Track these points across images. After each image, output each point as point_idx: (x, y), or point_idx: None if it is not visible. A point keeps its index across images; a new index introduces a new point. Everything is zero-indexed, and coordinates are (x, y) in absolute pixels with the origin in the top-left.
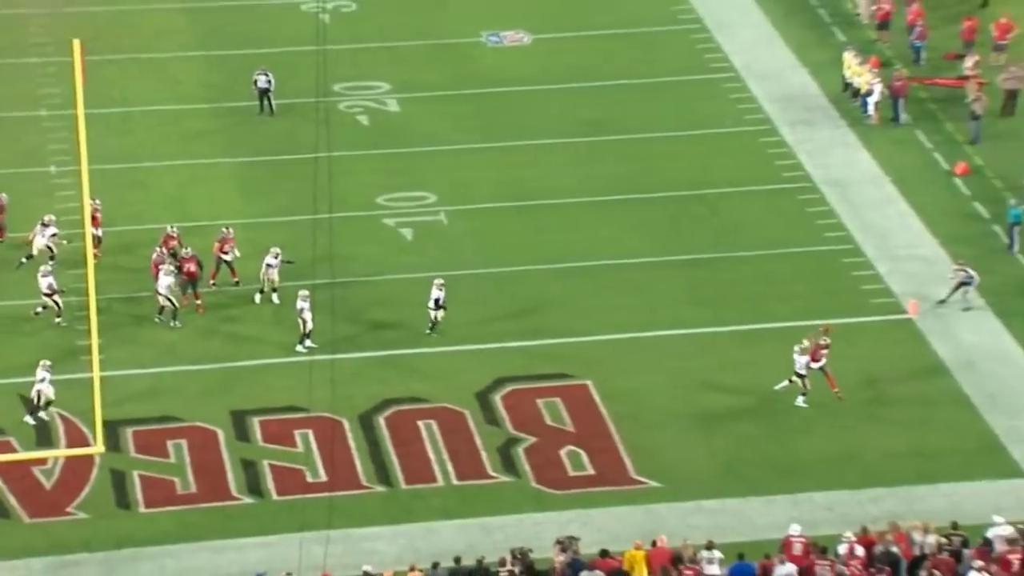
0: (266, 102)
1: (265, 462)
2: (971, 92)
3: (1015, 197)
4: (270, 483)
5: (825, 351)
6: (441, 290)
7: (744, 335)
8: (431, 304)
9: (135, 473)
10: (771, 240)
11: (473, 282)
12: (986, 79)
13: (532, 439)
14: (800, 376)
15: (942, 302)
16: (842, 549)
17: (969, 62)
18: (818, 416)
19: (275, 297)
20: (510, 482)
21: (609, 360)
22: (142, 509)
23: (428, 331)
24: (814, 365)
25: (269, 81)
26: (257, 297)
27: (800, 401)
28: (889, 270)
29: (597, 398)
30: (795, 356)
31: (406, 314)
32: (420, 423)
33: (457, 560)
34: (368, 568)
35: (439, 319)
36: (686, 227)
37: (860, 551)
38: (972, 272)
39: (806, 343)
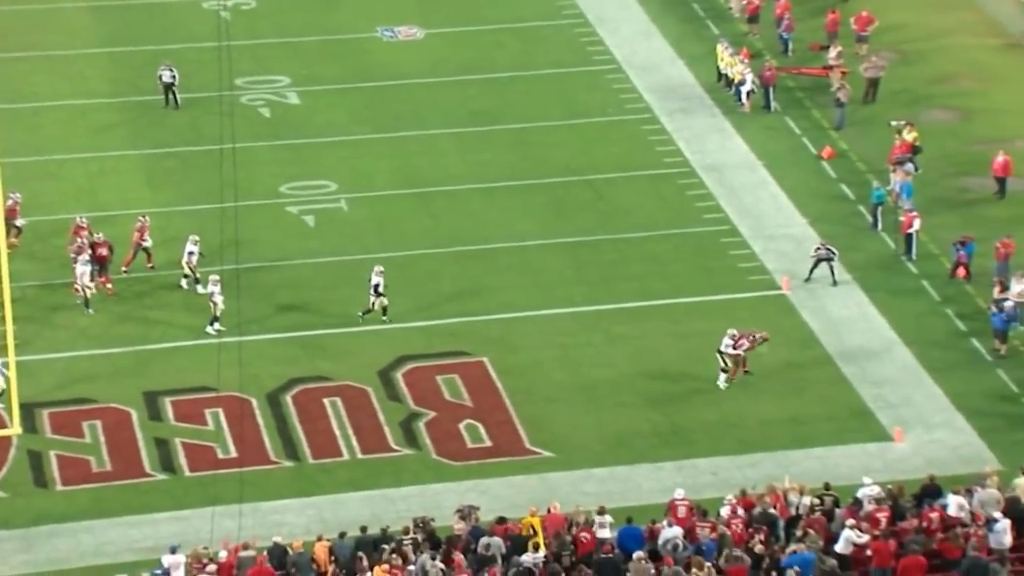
0: (171, 96)
1: (177, 440)
2: (835, 81)
3: (878, 179)
4: (182, 460)
5: (749, 344)
6: (380, 276)
7: (629, 312)
8: (371, 290)
9: (52, 453)
10: (653, 222)
11: (373, 266)
12: (849, 68)
13: (432, 414)
14: (720, 354)
15: (807, 280)
16: (724, 511)
17: (833, 53)
18: (700, 387)
19: (199, 288)
20: (412, 455)
21: (504, 338)
22: (59, 487)
23: (361, 315)
24: (731, 350)
25: (173, 76)
26: (183, 283)
27: (721, 381)
28: (763, 249)
29: (493, 374)
30: (725, 339)
31: (310, 297)
32: (325, 400)
33: (363, 529)
34: (278, 539)
35: (377, 306)
36: (573, 211)
37: (741, 512)
38: (832, 249)
39: (735, 332)
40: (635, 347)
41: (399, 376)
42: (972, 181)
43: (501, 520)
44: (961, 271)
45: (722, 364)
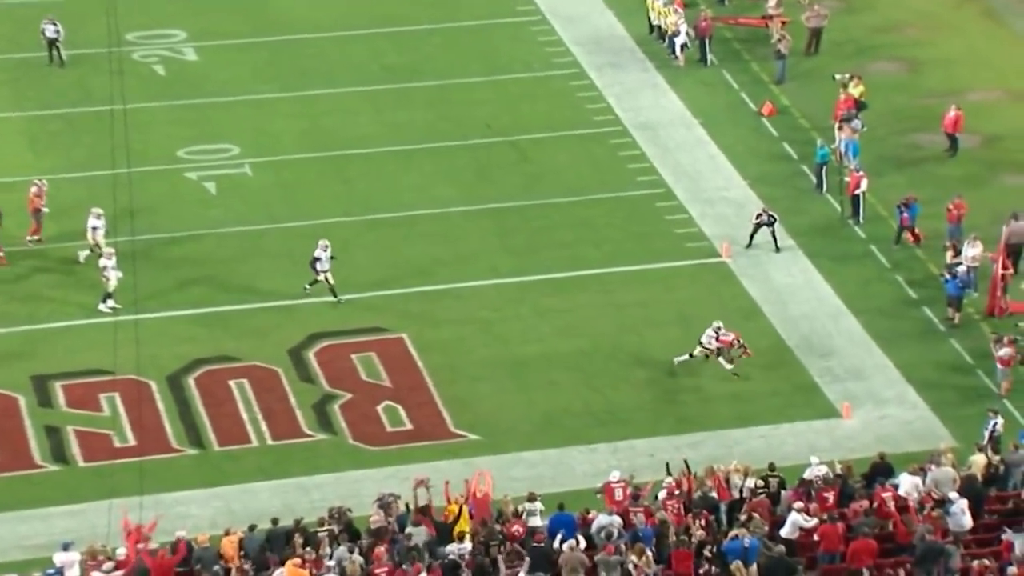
0: (55, 52)
1: (70, 428)
2: (775, 32)
3: (822, 137)
4: (76, 450)
5: (728, 345)
6: (326, 251)
7: (558, 283)
8: (311, 263)
9: None
10: (583, 185)
11: (281, 236)
12: (790, 18)
13: (348, 395)
14: (702, 345)
15: (748, 246)
16: (662, 495)
17: (772, 1)
18: (635, 363)
19: (102, 261)
20: (327, 440)
21: (423, 312)
22: None
23: (306, 287)
24: (715, 342)
25: (57, 31)
26: (81, 256)
27: (681, 358)
28: (701, 213)
29: (413, 351)
30: (708, 331)
31: (213, 270)
32: (232, 382)
33: (275, 521)
34: (182, 533)
35: (321, 281)
36: (496, 174)
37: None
38: (774, 213)
39: (721, 325)
40: (565, 320)
41: (311, 355)
42: (922, 138)
43: (424, 509)
44: (908, 235)
45: (694, 353)
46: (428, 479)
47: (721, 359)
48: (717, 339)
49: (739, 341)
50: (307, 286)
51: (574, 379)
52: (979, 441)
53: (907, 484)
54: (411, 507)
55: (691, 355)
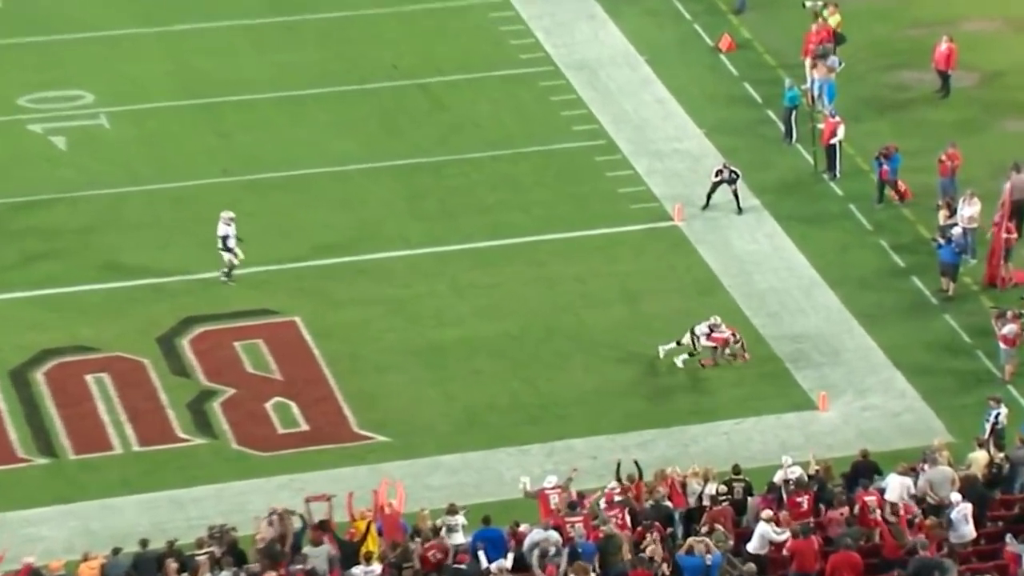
0: None
1: None
2: None
3: (791, 77)
4: None
5: (724, 340)
6: (230, 225)
7: (480, 254)
8: (219, 244)
9: None
10: (508, 137)
11: (146, 200)
12: None
13: (231, 391)
14: (693, 336)
15: (705, 207)
16: (602, 503)
17: None
18: (574, 348)
19: None
20: (205, 445)
21: (320, 290)
22: None
23: (224, 276)
24: (707, 341)
25: None
26: None
27: (668, 347)
28: (648, 169)
29: (308, 337)
30: (702, 325)
31: (64, 243)
32: (89, 377)
33: (143, 544)
34: (30, 559)
35: (231, 262)
36: (404, 125)
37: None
38: (736, 169)
39: (719, 321)
40: (489, 298)
41: (185, 343)
42: (909, 76)
43: (323, 525)
44: (893, 192)
45: (686, 344)
46: (330, 496)
47: (665, 349)
48: (709, 336)
49: (736, 336)
50: (224, 274)
51: (501, 368)
52: (979, 435)
53: (895, 487)
54: (307, 522)
55: (679, 343)
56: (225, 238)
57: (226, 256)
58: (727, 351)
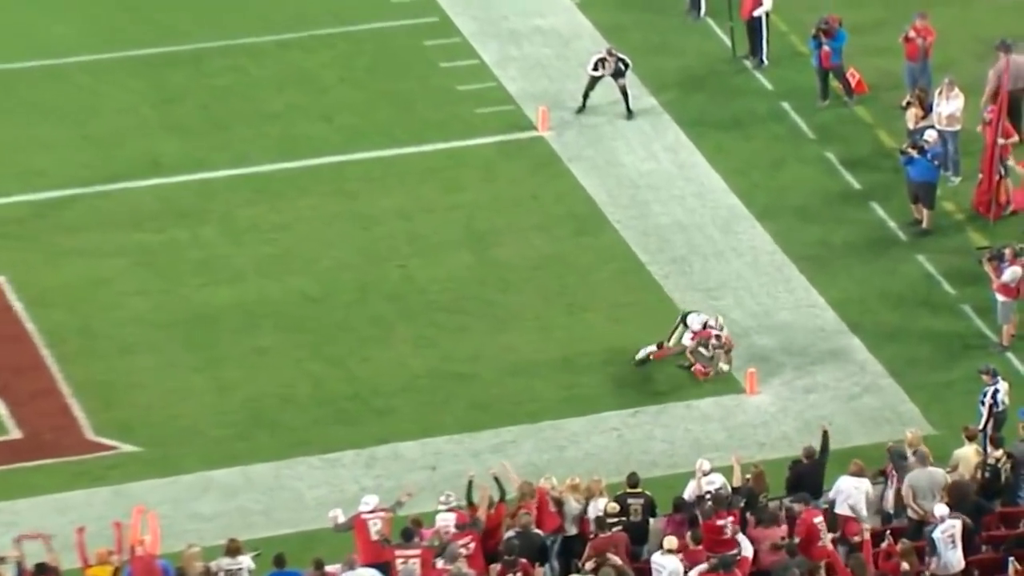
0: None
1: None
2: None
3: None
4: None
5: (713, 338)
6: None
7: (262, 181)
8: None
9: None
10: (300, 15)
11: None
12: None
13: None
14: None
15: (582, 109)
16: (447, 527)
17: None
18: (398, 314)
19: None
20: None
21: (32, 236)
22: None
23: None
24: (689, 341)
25: None
26: None
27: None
28: (500, 56)
29: (16, 304)
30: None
31: None
32: None
33: None
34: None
35: None
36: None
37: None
38: (624, 57)
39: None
40: (277, 246)
41: None
42: None
43: (41, 569)
44: (840, 84)
45: (669, 344)
46: (49, 536)
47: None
48: (702, 331)
49: (720, 337)
50: None
51: (296, 344)
52: (973, 423)
53: (848, 494)
54: (22, 567)
55: (661, 345)
56: None
57: None
58: (709, 347)
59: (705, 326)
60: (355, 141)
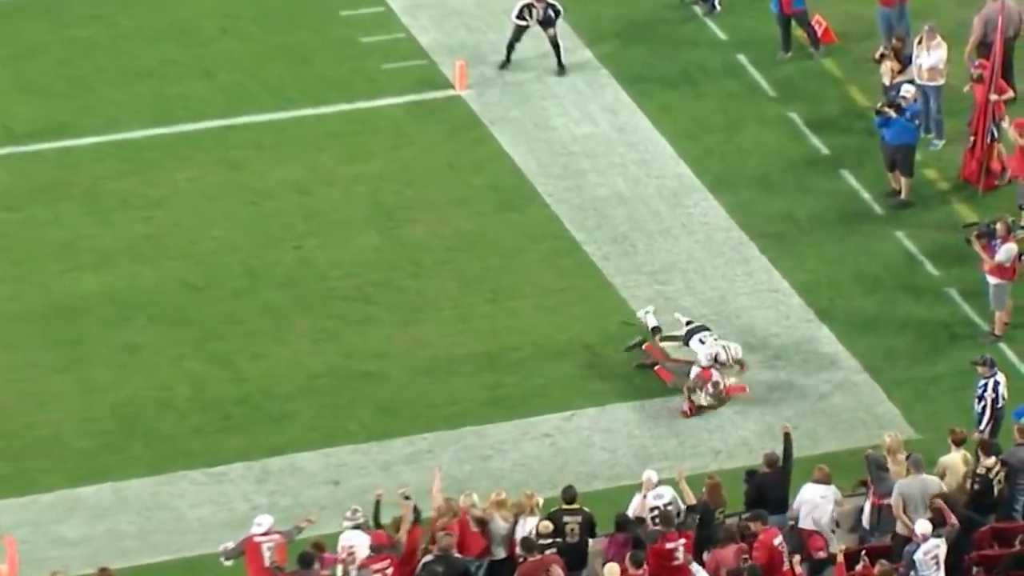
0: None
1: None
2: None
3: None
4: None
5: (710, 384)
6: None
7: (130, 148)
8: None
9: None
10: None
11: None
12: None
13: None
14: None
15: (506, 63)
16: (348, 541)
17: None
18: (293, 303)
19: None
20: None
21: None
22: None
23: None
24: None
25: None
26: None
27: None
28: (410, 4)
29: None
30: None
31: None
32: None
33: None
34: None
35: None
36: None
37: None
38: (552, 2)
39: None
40: (150, 225)
41: None
42: None
43: None
44: (805, 33)
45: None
46: None
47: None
48: (704, 370)
49: (730, 359)
50: None
51: (173, 339)
52: (960, 425)
53: (816, 508)
54: None
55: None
56: None
57: None
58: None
59: (715, 360)
60: (241, 102)
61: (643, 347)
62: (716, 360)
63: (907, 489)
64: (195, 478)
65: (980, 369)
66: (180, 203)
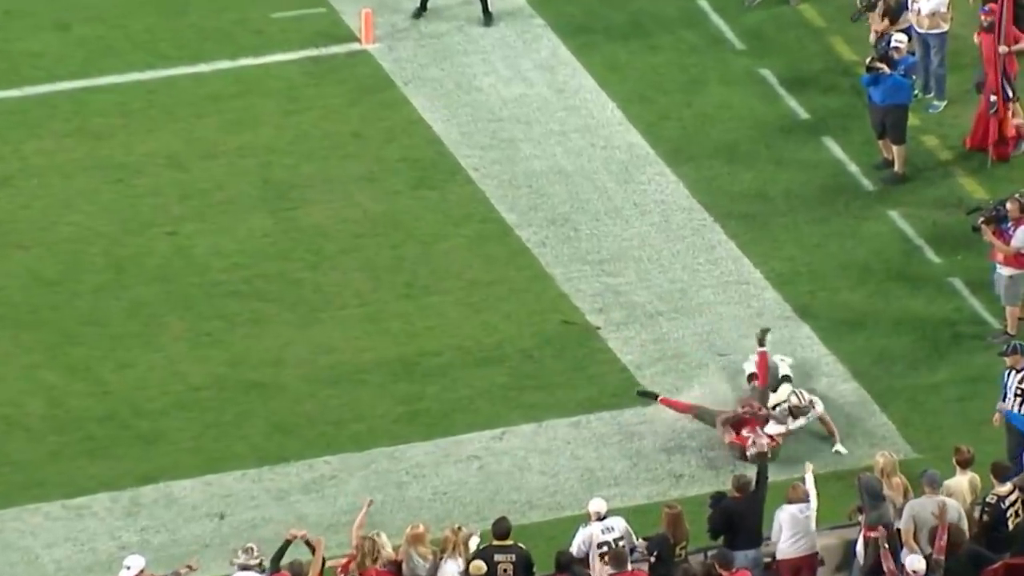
0: None
1: None
2: None
3: None
4: None
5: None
6: None
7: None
8: None
9: None
10: None
11: None
12: None
13: None
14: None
15: (421, 12)
16: None
17: None
18: (166, 302)
19: None
20: None
21: None
22: None
23: None
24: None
25: None
26: None
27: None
28: None
29: None
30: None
31: None
32: None
33: None
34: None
35: None
36: None
37: None
38: None
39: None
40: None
41: None
42: None
43: None
44: None
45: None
46: None
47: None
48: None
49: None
50: None
51: (24, 347)
52: (966, 443)
53: (792, 529)
54: None
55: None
56: None
57: None
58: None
59: (799, 396)
60: (103, 60)
61: (657, 400)
62: (795, 411)
63: (919, 511)
64: (50, 512)
65: (1008, 359)
66: (30, 181)
